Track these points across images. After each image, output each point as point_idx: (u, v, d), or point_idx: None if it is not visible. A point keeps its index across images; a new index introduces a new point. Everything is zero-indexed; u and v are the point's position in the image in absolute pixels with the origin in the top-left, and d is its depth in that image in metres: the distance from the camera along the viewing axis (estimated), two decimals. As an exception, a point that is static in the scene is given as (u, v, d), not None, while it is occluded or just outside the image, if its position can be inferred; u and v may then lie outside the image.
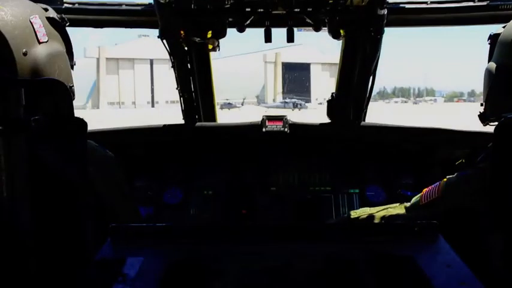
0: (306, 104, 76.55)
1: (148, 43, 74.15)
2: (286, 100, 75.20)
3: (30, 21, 1.61)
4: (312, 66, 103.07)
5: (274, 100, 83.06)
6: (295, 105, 71.30)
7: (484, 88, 1.83)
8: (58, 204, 1.56)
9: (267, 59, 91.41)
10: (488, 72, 1.75)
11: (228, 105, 55.46)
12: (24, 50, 1.57)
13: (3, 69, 1.52)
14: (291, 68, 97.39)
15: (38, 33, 1.62)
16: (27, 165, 1.47)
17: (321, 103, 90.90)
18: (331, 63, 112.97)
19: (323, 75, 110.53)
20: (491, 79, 1.73)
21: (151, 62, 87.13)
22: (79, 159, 1.62)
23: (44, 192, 1.52)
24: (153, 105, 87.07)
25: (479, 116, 1.90)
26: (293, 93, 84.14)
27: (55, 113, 1.63)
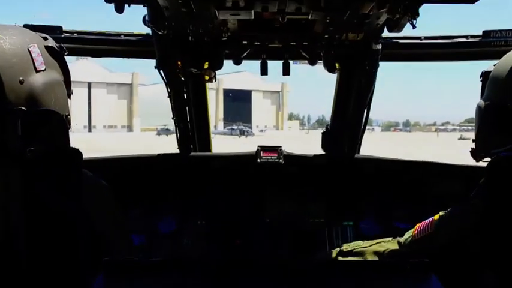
0: (253, 131, 76.98)
1: (86, 66, 73.00)
2: (233, 127, 75.44)
3: (29, 50, 1.63)
4: (253, 94, 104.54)
5: (215, 127, 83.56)
6: (242, 132, 71.25)
7: (475, 125, 1.85)
8: (52, 236, 1.55)
9: (208, 85, 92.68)
10: (479, 109, 1.77)
11: (166, 131, 55.35)
12: (21, 78, 1.58)
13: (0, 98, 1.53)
14: (232, 94, 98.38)
15: (35, 62, 1.63)
16: (22, 196, 1.47)
17: (262, 130, 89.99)
18: (272, 91, 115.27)
19: (264, 103, 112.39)
20: (482, 116, 1.75)
21: (89, 85, 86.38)
22: (74, 190, 1.61)
23: (38, 222, 1.51)
24: (90, 130, 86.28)
25: (471, 152, 1.92)
26: (234, 120, 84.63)
27: (51, 143, 1.63)
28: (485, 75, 1.85)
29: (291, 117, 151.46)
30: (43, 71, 1.66)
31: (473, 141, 1.89)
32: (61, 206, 1.56)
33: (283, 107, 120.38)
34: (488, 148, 1.72)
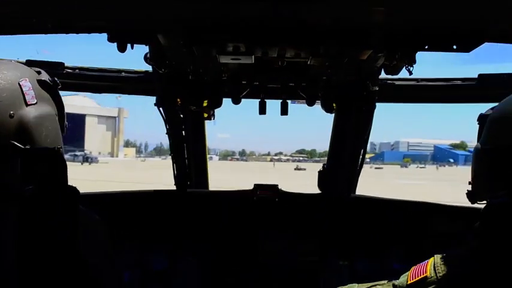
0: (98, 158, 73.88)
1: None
2: (76, 153, 71.57)
3: (19, 84, 1.63)
4: (87, 118, 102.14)
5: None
6: (85, 159, 68.09)
7: (472, 167, 1.86)
8: (46, 273, 1.53)
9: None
10: (476, 152, 1.78)
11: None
12: (11, 112, 1.58)
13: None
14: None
15: (26, 96, 1.63)
16: (17, 234, 1.46)
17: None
18: (108, 116, 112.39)
19: (99, 128, 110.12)
20: (479, 160, 1.76)
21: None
22: (69, 229, 1.60)
23: (31, 260, 1.50)
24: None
25: (467, 194, 1.92)
26: (65, 145, 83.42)
27: (47, 181, 1.63)
28: (482, 118, 1.87)
29: (127, 144, 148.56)
30: (34, 104, 1.66)
31: (470, 183, 1.89)
32: (56, 244, 1.55)
33: (119, 133, 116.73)
34: (484, 192, 1.73)
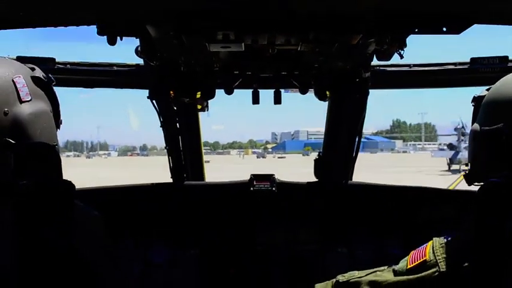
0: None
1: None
2: None
3: (13, 81, 1.61)
4: None
5: None
6: None
7: (469, 149, 1.86)
8: (43, 270, 1.53)
9: None
10: (473, 133, 1.78)
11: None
12: (5, 109, 1.56)
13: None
14: None
15: (20, 93, 1.61)
16: (13, 230, 1.46)
17: None
18: None
19: None
20: (478, 141, 1.76)
21: None
22: (65, 224, 1.60)
23: (29, 256, 1.50)
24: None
25: (464, 176, 1.92)
26: None
27: (42, 176, 1.62)
28: (477, 100, 1.87)
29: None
30: (28, 101, 1.65)
31: (466, 165, 1.90)
32: (52, 240, 1.55)
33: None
34: (483, 173, 1.73)
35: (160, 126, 3.50)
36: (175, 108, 3.48)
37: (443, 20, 2.19)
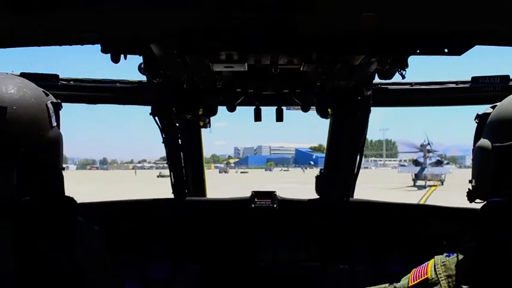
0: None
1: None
2: None
3: (47, 106, 1.66)
4: None
5: None
6: None
7: (474, 166, 1.85)
8: (43, 285, 1.53)
9: None
10: (479, 150, 1.78)
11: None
12: (41, 133, 1.61)
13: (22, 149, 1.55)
14: None
15: (51, 118, 1.66)
16: (14, 245, 1.46)
17: None
18: None
19: None
20: (482, 158, 1.76)
21: None
22: (66, 240, 1.60)
23: (29, 271, 1.50)
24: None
25: (467, 193, 1.91)
26: None
27: (46, 193, 1.63)
28: (482, 118, 1.86)
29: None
30: (54, 127, 1.69)
31: (470, 181, 1.89)
32: (53, 255, 1.55)
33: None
34: (490, 190, 1.72)
35: (163, 142, 3.51)
36: (177, 124, 3.49)
37: (444, 41, 2.21)
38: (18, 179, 1.52)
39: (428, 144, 48.07)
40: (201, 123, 3.53)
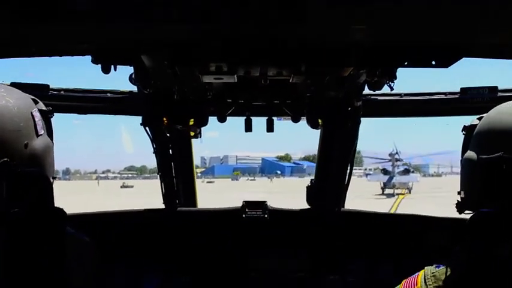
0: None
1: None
2: None
3: (32, 114, 1.65)
4: None
5: None
6: None
7: (461, 177, 1.86)
8: None
9: None
10: (467, 162, 1.79)
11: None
12: (26, 141, 1.60)
13: (5, 161, 1.53)
14: None
15: (37, 126, 1.65)
16: (3, 258, 1.46)
17: None
18: None
19: None
20: (470, 170, 1.77)
21: None
22: (56, 252, 1.60)
23: (20, 283, 1.49)
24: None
25: (456, 204, 1.93)
26: None
27: (35, 205, 1.63)
28: (469, 129, 1.88)
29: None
30: (41, 135, 1.68)
31: (458, 193, 1.90)
32: (43, 266, 1.54)
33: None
34: (478, 201, 1.73)
35: (153, 153, 3.51)
36: (168, 135, 3.49)
37: (432, 53, 2.24)
38: (7, 190, 1.51)
39: (397, 153, 49.43)
40: (192, 134, 3.53)
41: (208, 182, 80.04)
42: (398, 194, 42.33)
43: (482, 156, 1.67)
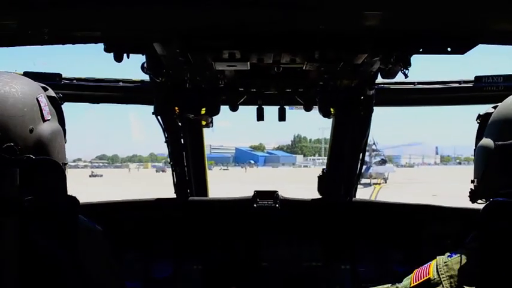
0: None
1: None
2: None
3: (37, 100, 1.66)
4: None
5: None
6: None
7: (477, 165, 1.84)
8: (46, 285, 1.53)
9: None
10: (482, 150, 1.77)
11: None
12: (31, 127, 1.61)
13: (9, 145, 1.55)
14: None
15: (43, 111, 1.66)
16: (18, 245, 1.46)
17: None
18: None
19: None
20: (486, 157, 1.75)
21: None
22: (69, 240, 1.61)
23: (32, 270, 1.50)
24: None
25: (470, 192, 1.91)
26: None
27: (48, 192, 1.63)
28: (484, 117, 1.86)
29: None
30: (48, 120, 1.69)
31: (472, 181, 1.88)
32: (56, 255, 1.55)
33: None
34: (494, 189, 1.71)
35: (165, 142, 3.51)
36: (180, 124, 3.49)
37: (447, 40, 2.21)
38: (21, 177, 1.52)
39: (374, 144, 50.14)
40: (203, 123, 3.53)
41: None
42: (374, 184, 43.17)
43: (498, 143, 1.66)
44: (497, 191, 1.64)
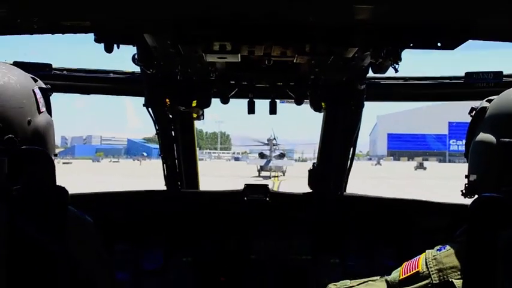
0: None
1: None
2: None
3: (33, 91, 1.67)
4: None
5: None
6: None
7: (475, 161, 1.84)
8: (35, 275, 1.53)
9: None
10: (482, 145, 1.77)
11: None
12: (28, 118, 1.62)
13: (10, 137, 1.55)
14: None
15: (39, 103, 1.68)
16: (6, 235, 1.46)
17: None
18: None
19: None
20: (486, 152, 1.75)
21: None
22: (58, 229, 1.60)
23: (21, 261, 1.49)
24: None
25: (465, 188, 1.91)
26: None
27: (37, 182, 1.63)
28: (479, 112, 1.85)
29: None
30: (43, 112, 1.70)
31: (466, 176, 1.88)
32: (45, 245, 1.54)
33: None
34: (494, 186, 1.71)
35: (156, 134, 3.51)
36: (170, 116, 3.48)
37: (437, 35, 2.22)
38: (9, 166, 1.51)
39: (274, 138, 53.04)
40: (194, 115, 3.53)
41: (64, 163, 70.71)
42: (273, 176, 44.65)
43: (503, 140, 1.64)
44: (499, 188, 1.64)
